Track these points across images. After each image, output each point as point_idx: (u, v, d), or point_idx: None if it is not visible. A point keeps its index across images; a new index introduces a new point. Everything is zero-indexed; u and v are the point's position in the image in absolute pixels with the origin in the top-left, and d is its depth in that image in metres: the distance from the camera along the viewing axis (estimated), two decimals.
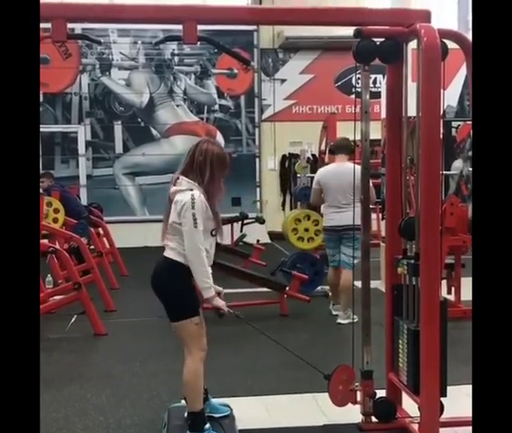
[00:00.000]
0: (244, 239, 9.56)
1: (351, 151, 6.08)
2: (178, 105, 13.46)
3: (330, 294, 6.67)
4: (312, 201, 6.64)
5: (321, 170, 6.44)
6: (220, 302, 3.38)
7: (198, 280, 3.29)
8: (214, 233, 3.38)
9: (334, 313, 6.34)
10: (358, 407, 3.54)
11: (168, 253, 3.39)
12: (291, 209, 12.00)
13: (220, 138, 13.44)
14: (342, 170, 5.87)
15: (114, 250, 9.26)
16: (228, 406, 3.76)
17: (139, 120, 13.40)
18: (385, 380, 3.63)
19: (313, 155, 10.21)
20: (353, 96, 11.54)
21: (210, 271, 3.35)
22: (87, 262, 6.83)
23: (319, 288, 7.38)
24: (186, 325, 3.34)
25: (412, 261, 3.25)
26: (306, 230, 7.32)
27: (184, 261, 3.31)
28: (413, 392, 3.25)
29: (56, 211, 7.77)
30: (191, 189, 3.30)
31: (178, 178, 3.38)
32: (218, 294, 3.44)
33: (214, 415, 3.61)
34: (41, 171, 9.04)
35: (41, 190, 7.81)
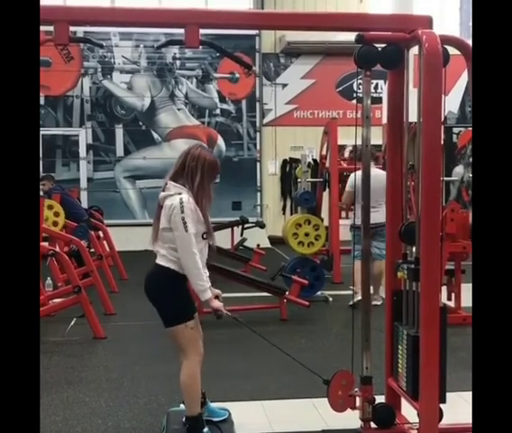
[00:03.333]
0: (245, 243, 9.56)
1: (375, 157, 6.85)
2: (179, 109, 13.48)
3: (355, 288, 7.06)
4: (346, 202, 7.55)
5: (357, 174, 6.65)
6: (217, 304, 3.38)
7: (193, 283, 3.29)
8: (205, 236, 3.37)
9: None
10: (357, 412, 3.53)
11: (159, 260, 3.38)
12: (292, 214, 12.00)
13: (221, 142, 13.47)
14: (373, 175, 6.06)
15: (115, 253, 9.26)
16: (227, 410, 3.75)
17: (140, 123, 13.42)
18: (384, 385, 3.63)
19: (314, 160, 10.22)
20: (355, 101, 11.56)
21: (206, 273, 3.34)
22: (87, 266, 6.83)
23: (319, 293, 7.38)
24: (181, 330, 3.34)
25: (412, 265, 3.25)
26: (307, 235, 7.32)
27: (175, 267, 3.31)
28: (412, 398, 3.25)
29: (56, 214, 7.77)
30: (179, 193, 3.30)
31: (166, 183, 3.39)
32: (217, 297, 3.45)
33: (212, 419, 3.61)
34: (42, 174, 9.06)
35: (41, 193, 7.83)
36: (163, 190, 3.40)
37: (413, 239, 3.25)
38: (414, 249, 3.31)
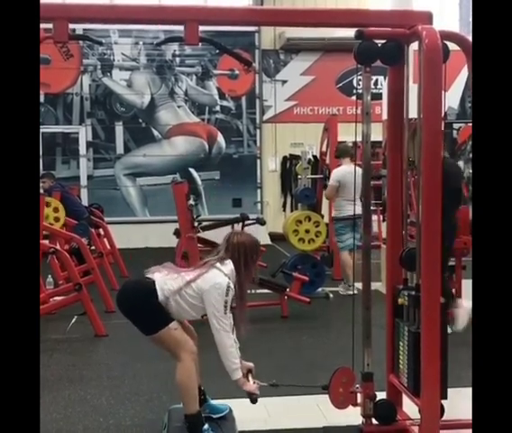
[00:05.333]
0: None
1: (351, 154, 7.37)
2: (179, 106, 13.46)
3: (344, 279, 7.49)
4: (328, 195, 7.78)
5: (339, 170, 7.46)
6: (251, 386, 3.40)
7: (226, 361, 3.33)
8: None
9: (342, 293, 7.34)
10: (358, 409, 3.53)
11: (157, 282, 3.38)
12: (292, 211, 11.99)
13: (221, 139, 13.46)
14: (351, 171, 6.61)
15: (115, 251, 9.25)
16: (227, 406, 3.75)
17: (140, 121, 13.40)
18: (385, 382, 3.63)
19: (314, 156, 10.20)
20: (354, 97, 11.56)
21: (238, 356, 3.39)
22: (88, 263, 6.83)
23: (320, 289, 7.38)
24: (165, 333, 3.36)
25: (413, 292, 3.25)
26: (307, 231, 7.32)
27: (162, 300, 3.34)
28: (413, 395, 3.25)
29: (56, 210, 7.76)
30: (229, 278, 3.35)
31: (226, 258, 3.42)
32: (249, 371, 3.48)
33: (212, 416, 3.61)
34: (42, 172, 9.04)
35: (42, 191, 7.82)
36: (220, 262, 3.41)
37: (413, 264, 3.25)
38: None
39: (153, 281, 3.38)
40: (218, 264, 3.39)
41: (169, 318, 3.36)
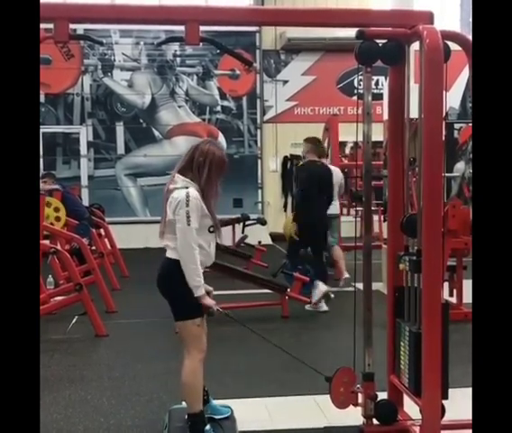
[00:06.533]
0: (246, 240, 9.55)
1: (326, 155, 8.01)
2: (180, 106, 13.46)
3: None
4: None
5: None
6: (209, 301, 3.38)
7: (188, 277, 3.29)
8: (211, 229, 3.38)
9: (343, 286, 7.57)
10: (359, 409, 3.52)
11: (169, 254, 3.40)
12: (293, 211, 11.98)
13: (222, 139, 13.45)
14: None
15: (116, 251, 9.25)
16: (229, 407, 3.75)
17: (141, 121, 13.41)
18: (386, 382, 3.62)
19: None
20: (355, 97, 11.54)
21: (201, 270, 3.34)
22: (89, 263, 6.83)
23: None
24: (188, 325, 3.35)
25: (413, 257, 3.24)
26: None
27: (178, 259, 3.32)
28: (414, 395, 3.24)
29: (56, 210, 7.76)
30: (186, 187, 3.31)
31: (174, 176, 3.40)
32: (208, 293, 3.45)
33: (214, 416, 3.61)
34: (43, 172, 9.04)
35: (43, 191, 7.83)
36: (170, 183, 3.40)
37: (414, 231, 3.24)
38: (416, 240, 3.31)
39: (169, 257, 3.38)
40: (171, 186, 3.36)
41: (199, 312, 3.35)
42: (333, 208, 7.60)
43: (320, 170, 7.02)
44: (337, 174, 7.78)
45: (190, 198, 3.26)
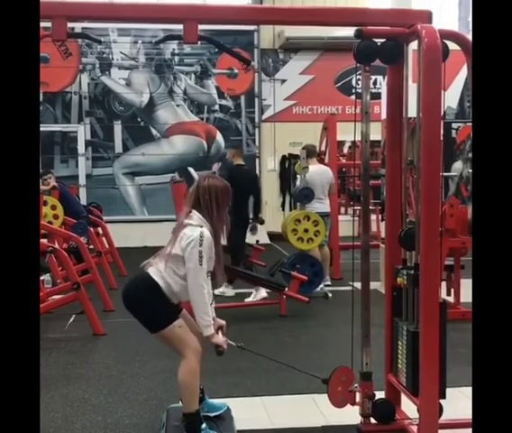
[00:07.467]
0: None
1: (317, 154, 8.21)
2: (178, 105, 13.45)
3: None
4: None
5: (311, 170, 7.67)
6: (219, 339, 3.37)
7: (198, 316, 3.29)
8: (209, 275, 3.37)
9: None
10: (357, 408, 3.53)
11: (151, 272, 3.36)
12: (291, 210, 11.99)
13: (220, 138, 13.45)
14: (321, 171, 7.80)
15: (114, 250, 9.24)
16: (225, 404, 3.74)
17: (139, 120, 13.39)
18: (384, 381, 3.63)
19: None
20: (353, 96, 11.54)
21: (212, 309, 3.36)
22: (86, 262, 6.82)
23: (318, 288, 7.37)
24: (170, 331, 3.32)
25: (411, 271, 3.25)
26: (306, 231, 7.31)
27: (164, 287, 3.31)
28: (412, 394, 3.25)
29: (53, 208, 7.76)
30: (201, 226, 3.31)
31: (190, 211, 3.38)
32: (220, 328, 3.45)
33: (210, 414, 3.60)
34: (44, 170, 9.01)
35: (46, 188, 7.84)
36: (186, 217, 3.37)
37: (412, 244, 3.25)
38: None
39: (150, 274, 3.36)
40: (186, 220, 3.35)
41: (173, 316, 3.34)
42: (324, 207, 7.70)
43: (245, 174, 7.69)
44: (327, 173, 7.84)
45: (204, 238, 3.26)
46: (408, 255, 3.41)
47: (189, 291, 3.28)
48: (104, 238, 9.23)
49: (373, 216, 9.74)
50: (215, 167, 12.41)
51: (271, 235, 12.19)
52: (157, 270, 3.36)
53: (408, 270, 3.31)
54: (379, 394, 3.57)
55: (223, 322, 3.50)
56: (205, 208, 3.36)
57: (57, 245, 6.78)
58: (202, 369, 3.46)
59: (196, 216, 3.35)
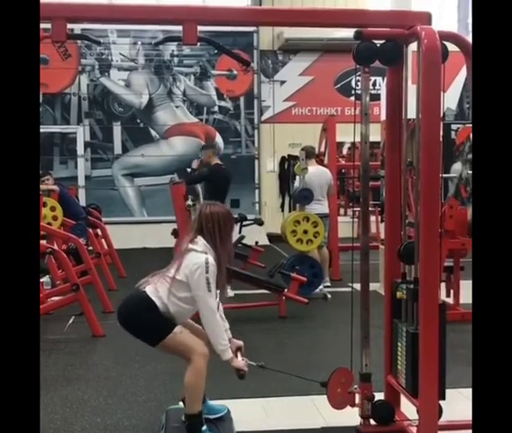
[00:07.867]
0: (243, 241, 9.53)
1: (316, 156, 8.23)
2: (177, 107, 13.45)
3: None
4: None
5: (310, 172, 7.65)
6: (240, 363, 3.37)
7: (214, 343, 3.30)
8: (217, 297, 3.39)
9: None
10: (356, 410, 3.53)
11: (149, 291, 3.36)
12: (290, 211, 11.98)
13: (219, 139, 13.45)
14: (319, 172, 7.84)
15: (113, 251, 9.23)
16: (225, 406, 3.74)
17: (138, 121, 13.39)
18: (383, 382, 3.62)
19: None
20: (353, 98, 11.56)
21: (226, 334, 3.38)
22: (86, 263, 6.81)
23: (318, 290, 7.38)
24: (171, 339, 3.33)
25: (411, 285, 3.25)
26: (305, 232, 7.31)
27: (161, 307, 3.32)
28: (411, 395, 3.25)
29: (52, 209, 7.75)
30: (206, 253, 3.31)
31: (195, 236, 3.38)
32: (239, 349, 3.46)
33: (210, 417, 3.60)
34: (42, 171, 9.01)
35: (46, 187, 7.83)
36: (191, 242, 3.37)
37: (412, 257, 3.24)
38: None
39: (148, 293, 3.37)
40: (190, 246, 3.35)
41: (172, 325, 3.34)
42: (323, 208, 7.71)
43: (225, 173, 7.96)
44: (325, 175, 7.86)
45: (209, 264, 3.27)
46: (408, 269, 3.41)
47: (202, 319, 3.30)
48: (103, 239, 9.23)
49: (373, 218, 9.75)
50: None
51: (271, 237, 12.19)
52: (155, 289, 3.36)
53: (408, 283, 3.31)
54: (379, 396, 3.57)
55: (240, 343, 3.51)
56: (209, 236, 3.37)
57: (56, 247, 6.77)
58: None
59: (201, 242, 3.35)
